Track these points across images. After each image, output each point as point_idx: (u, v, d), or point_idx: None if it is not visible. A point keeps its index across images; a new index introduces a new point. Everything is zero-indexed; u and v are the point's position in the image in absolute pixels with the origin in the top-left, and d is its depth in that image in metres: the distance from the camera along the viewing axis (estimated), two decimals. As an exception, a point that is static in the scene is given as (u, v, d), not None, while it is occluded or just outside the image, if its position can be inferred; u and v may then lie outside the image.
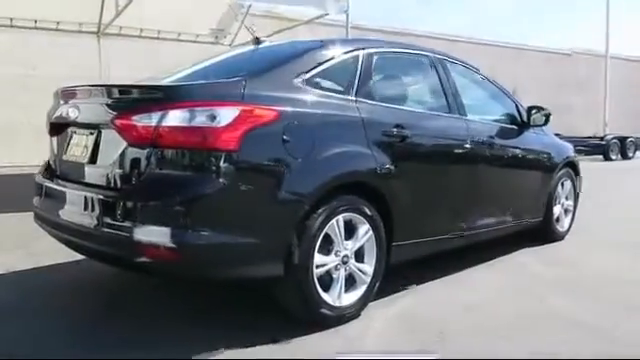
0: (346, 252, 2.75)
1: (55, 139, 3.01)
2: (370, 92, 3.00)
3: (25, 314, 2.82)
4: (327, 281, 2.69)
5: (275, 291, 2.61)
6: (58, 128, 2.97)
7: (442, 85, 3.54)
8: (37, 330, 2.60)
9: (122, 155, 2.40)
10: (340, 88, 2.89)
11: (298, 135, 2.50)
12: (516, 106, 4.28)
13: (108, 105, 2.51)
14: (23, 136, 9.49)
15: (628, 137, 17.91)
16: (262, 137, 2.39)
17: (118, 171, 2.42)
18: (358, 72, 2.97)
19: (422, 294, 3.23)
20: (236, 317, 2.77)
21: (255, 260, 2.42)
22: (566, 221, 4.85)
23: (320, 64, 2.82)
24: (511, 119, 4.22)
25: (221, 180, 2.27)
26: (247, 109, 2.37)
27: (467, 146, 3.52)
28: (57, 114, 2.95)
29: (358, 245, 2.82)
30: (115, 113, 2.43)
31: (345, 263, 2.75)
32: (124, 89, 2.47)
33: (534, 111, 4.24)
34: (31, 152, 7.82)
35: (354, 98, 2.90)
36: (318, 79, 2.77)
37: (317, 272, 2.60)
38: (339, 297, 2.72)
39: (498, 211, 3.93)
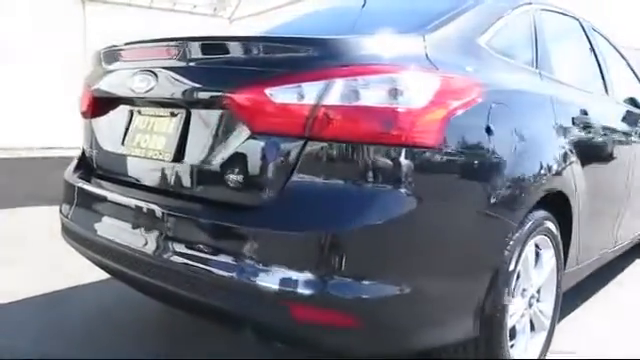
0: (532, 290, 1.94)
1: (98, 122, 2.06)
2: (548, 63, 2.17)
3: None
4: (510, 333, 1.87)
5: (449, 355, 1.76)
6: (104, 105, 2.03)
7: (597, 60, 2.74)
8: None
9: (240, 151, 1.50)
10: (522, 56, 2.04)
11: (502, 123, 1.65)
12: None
13: (212, 70, 1.59)
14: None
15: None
16: (465, 125, 1.52)
17: (232, 176, 1.51)
18: (533, 35, 2.13)
19: (577, 327, 2.46)
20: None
21: (448, 317, 1.57)
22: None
23: (495, 21, 1.94)
24: (634, 102, 3.45)
25: (413, 195, 1.40)
26: (447, 80, 1.50)
27: (625, 138, 2.76)
28: (103, 85, 2.01)
29: (542, 278, 2.00)
30: (229, 83, 1.51)
31: (531, 306, 1.94)
32: (247, 43, 1.53)
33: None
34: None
35: (537, 70, 2.06)
36: (499, 42, 1.90)
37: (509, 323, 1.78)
38: (525, 353, 1.91)
39: (636, 216, 3.18)
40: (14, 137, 6.56)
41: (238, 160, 1.50)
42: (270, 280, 1.37)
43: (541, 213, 1.88)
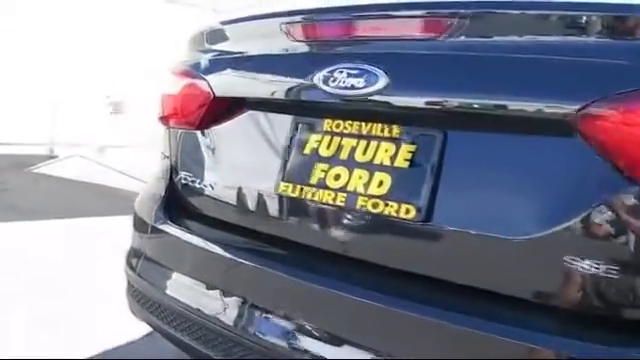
0: None
1: (213, 136, 1.30)
2: None
3: None
4: None
5: None
6: (227, 111, 1.27)
7: None
8: None
9: (596, 212, 0.79)
10: None
11: None
12: None
13: (523, 62, 0.87)
14: None
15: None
16: None
17: (577, 259, 0.80)
18: None
19: None
20: None
21: None
22: None
23: None
24: None
25: None
26: None
27: None
28: (227, 79, 1.26)
29: None
30: (578, 88, 0.81)
31: None
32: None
33: None
34: None
35: None
36: None
37: None
38: None
39: None
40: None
41: (589, 228, 0.81)
42: None
43: None
